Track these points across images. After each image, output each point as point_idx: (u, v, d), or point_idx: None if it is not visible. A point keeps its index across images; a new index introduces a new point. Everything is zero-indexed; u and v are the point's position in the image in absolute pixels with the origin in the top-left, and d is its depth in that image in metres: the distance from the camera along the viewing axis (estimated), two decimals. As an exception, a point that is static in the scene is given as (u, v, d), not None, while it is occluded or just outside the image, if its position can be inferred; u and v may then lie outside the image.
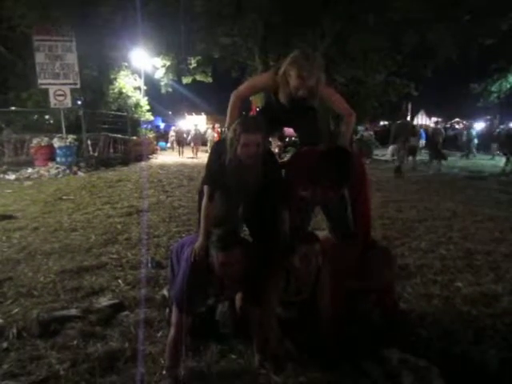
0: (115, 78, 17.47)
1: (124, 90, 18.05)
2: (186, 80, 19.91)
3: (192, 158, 19.38)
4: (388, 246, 4.04)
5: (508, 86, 20.88)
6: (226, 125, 2.57)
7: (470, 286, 3.45)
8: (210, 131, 23.63)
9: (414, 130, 14.31)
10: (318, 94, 2.57)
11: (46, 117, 15.29)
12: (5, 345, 2.50)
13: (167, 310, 2.70)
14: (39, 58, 12.82)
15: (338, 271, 2.39)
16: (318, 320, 2.42)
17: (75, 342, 2.53)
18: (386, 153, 17.40)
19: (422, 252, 4.38)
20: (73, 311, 2.93)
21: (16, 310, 2.97)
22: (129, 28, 14.95)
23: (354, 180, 2.54)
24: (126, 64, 18.37)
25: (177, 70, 19.09)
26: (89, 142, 14.08)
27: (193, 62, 18.25)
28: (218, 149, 2.39)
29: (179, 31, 14.52)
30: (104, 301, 3.13)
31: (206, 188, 2.41)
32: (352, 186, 2.56)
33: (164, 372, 2.23)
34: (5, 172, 11.69)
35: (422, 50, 12.95)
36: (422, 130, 22.22)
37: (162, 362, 2.32)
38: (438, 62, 14.07)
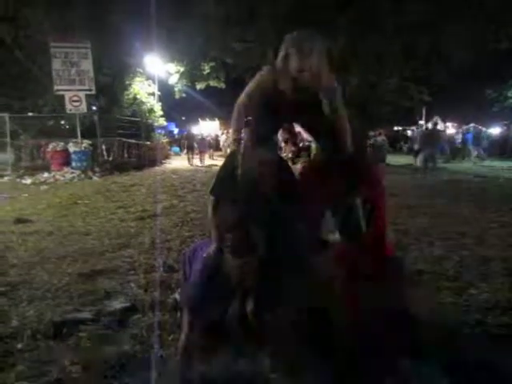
0: (130, 84, 17.74)
1: (138, 96, 18.30)
2: (200, 85, 20.05)
3: (200, 166, 17.86)
4: (401, 252, 4.01)
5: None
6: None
7: (485, 294, 3.39)
8: (224, 137, 22.99)
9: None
10: (322, 80, 2.41)
11: (62, 122, 15.58)
12: (19, 346, 2.54)
13: (179, 314, 2.72)
14: (56, 64, 13.08)
15: (351, 279, 2.38)
16: (333, 327, 2.41)
17: (88, 345, 2.56)
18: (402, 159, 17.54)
19: (435, 258, 4.33)
20: (86, 314, 2.97)
21: (31, 312, 3.01)
22: (143, 35, 15.22)
23: (369, 188, 2.55)
24: (141, 70, 18.62)
25: (190, 75, 19.26)
26: (103, 147, 14.30)
27: (206, 68, 18.37)
28: (232, 160, 2.40)
29: (192, 37, 14.70)
30: (116, 304, 3.16)
31: (210, 197, 2.44)
32: (368, 194, 2.56)
33: (175, 375, 2.24)
34: (21, 176, 11.93)
35: (436, 55, 12.87)
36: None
37: (174, 364, 2.33)
38: (452, 66, 13.99)
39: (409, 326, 2.50)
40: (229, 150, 3.03)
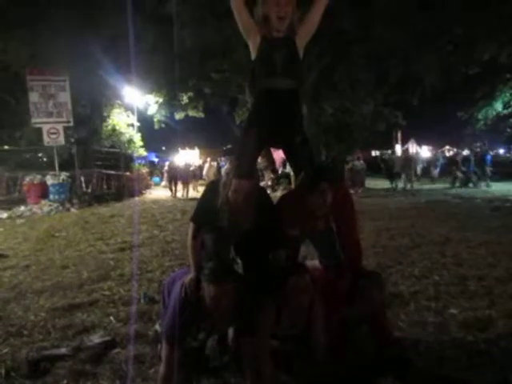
0: (108, 115, 17.73)
1: (117, 127, 18.32)
2: (179, 115, 20.19)
3: (182, 198, 16.23)
4: (381, 273, 4.03)
5: (494, 112, 21.42)
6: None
7: (464, 312, 3.44)
8: (206, 165, 22.26)
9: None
10: (297, 30, 2.58)
11: (39, 154, 15.41)
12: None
13: (159, 346, 2.67)
14: (33, 97, 13.02)
15: (330, 300, 2.40)
16: (312, 351, 2.40)
17: (65, 382, 2.48)
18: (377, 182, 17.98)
19: (415, 279, 4.38)
20: (63, 350, 2.88)
21: (5, 350, 2.91)
22: (122, 66, 15.35)
23: (340, 210, 2.60)
24: (119, 101, 18.68)
25: (169, 106, 19.42)
26: (82, 179, 14.14)
27: (185, 98, 18.57)
28: (213, 188, 2.42)
29: (171, 68, 14.91)
30: (95, 338, 3.07)
31: (191, 225, 2.45)
32: (339, 217, 2.61)
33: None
34: (-4, 210, 11.65)
35: (408, 80, 13.37)
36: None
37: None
38: (424, 90, 14.54)
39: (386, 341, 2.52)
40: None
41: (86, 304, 3.91)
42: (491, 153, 22.78)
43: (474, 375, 2.45)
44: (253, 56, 2.65)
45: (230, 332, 2.50)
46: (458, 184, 17.91)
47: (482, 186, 17.45)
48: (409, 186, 17.16)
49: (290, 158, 2.81)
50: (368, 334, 2.64)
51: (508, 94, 20.42)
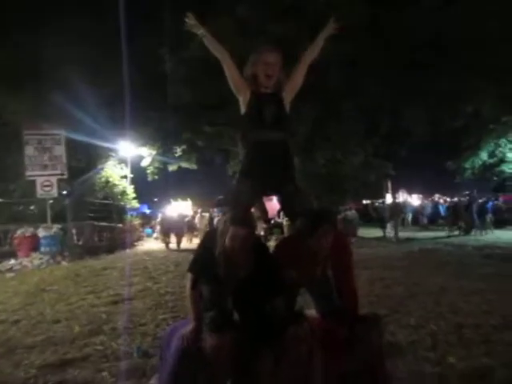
0: (102, 168, 17.95)
1: (111, 179, 18.49)
2: (172, 167, 20.45)
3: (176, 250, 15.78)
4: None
5: (480, 162, 22.06)
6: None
7: (463, 361, 3.41)
8: (198, 216, 22.36)
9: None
10: (284, 87, 2.80)
11: (31, 207, 15.40)
12: None
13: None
14: (28, 151, 13.26)
15: (329, 348, 2.39)
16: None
17: None
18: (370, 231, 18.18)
19: (412, 328, 4.35)
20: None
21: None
22: (117, 121, 15.76)
23: (338, 257, 2.66)
24: (113, 154, 18.98)
25: (162, 158, 19.73)
26: (74, 231, 14.06)
27: (178, 151, 18.92)
28: (210, 237, 2.48)
29: (165, 122, 15.35)
30: (88, 395, 2.99)
31: (189, 275, 2.48)
32: (337, 264, 2.67)
33: None
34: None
35: (397, 132, 13.89)
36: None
37: None
38: (413, 142, 15.12)
39: None
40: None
41: (78, 359, 3.81)
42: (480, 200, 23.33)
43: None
44: (242, 111, 2.83)
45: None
46: (459, 232, 17.98)
47: (483, 233, 17.59)
48: (392, 235, 17.28)
49: (284, 206, 2.91)
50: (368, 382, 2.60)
51: (492, 144, 21.16)
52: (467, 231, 17.98)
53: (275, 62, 2.73)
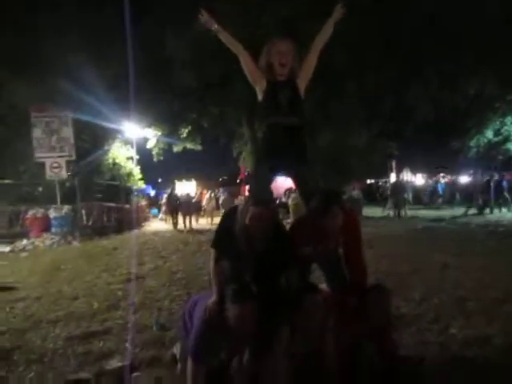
0: (109, 149, 18.08)
1: (117, 160, 18.63)
2: (177, 148, 20.56)
3: (185, 230, 15.58)
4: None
5: (485, 140, 22.03)
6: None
7: (464, 331, 3.62)
8: (206, 197, 22.18)
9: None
10: (298, 73, 2.95)
11: (41, 188, 15.61)
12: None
13: (178, 366, 2.82)
14: (36, 133, 13.40)
15: (340, 318, 2.59)
16: (325, 367, 2.57)
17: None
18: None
19: (416, 302, 4.56)
20: (85, 374, 3.02)
21: (29, 375, 3.05)
22: (123, 102, 15.79)
23: (349, 234, 2.84)
24: (120, 135, 19.07)
25: (168, 139, 19.83)
26: (83, 212, 14.30)
27: (183, 132, 18.99)
28: (230, 216, 2.66)
29: (171, 104, 15.39)
30: (114, 363, 3.23)
31: (212, 251, 2.67)
32: (347, 240, 2.85)
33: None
34: (-1, 244, 11.76)
35: (401, 112, 13.92)
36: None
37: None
38: (417, 121, 15.13)
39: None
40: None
41: (100, 332, 4.05)
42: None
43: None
44: (259, 98, 2.98)
45: (247, 352, 2.67)
46: (474, 211, 17.80)
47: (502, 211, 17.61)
48: (391, 213, 17.91)
49: (299, 186, 3.08)
50: (376, 349, 2.80)
51: (498, 122, 21.08)
52: (481, 210, 17.80)
53: (288, 50, 2.87)
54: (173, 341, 3.51)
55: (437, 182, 28.72)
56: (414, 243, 9.26)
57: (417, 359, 2.95)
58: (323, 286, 2.96)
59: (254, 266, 2.51)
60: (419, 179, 34.99)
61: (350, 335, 2.61)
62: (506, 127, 20.88)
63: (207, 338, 2.34)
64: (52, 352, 3.54)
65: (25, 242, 11.90)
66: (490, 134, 21.59)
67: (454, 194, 25.67)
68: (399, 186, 18.71)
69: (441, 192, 25.66)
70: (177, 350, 3.03)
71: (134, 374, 3.03)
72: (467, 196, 22.31)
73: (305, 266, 2.78)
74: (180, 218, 16.78)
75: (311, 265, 2.89)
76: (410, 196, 22.19)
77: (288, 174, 3.15)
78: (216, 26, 2.94)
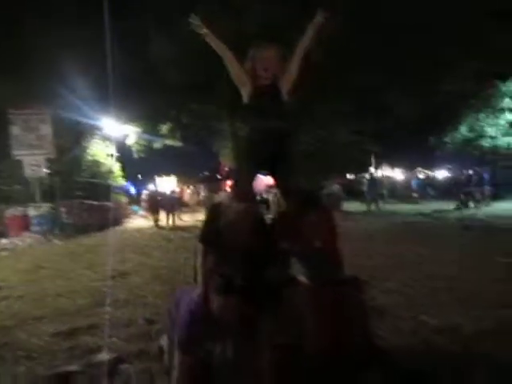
0: (88, 146, 17.95)
1: (97, 158, 18.50)
2: (157, 145, 20.53)
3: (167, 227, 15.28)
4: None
5: (459, 136, 22.67)
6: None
7: (435, 319, 3.84)
8: (188, 192, 22.21)
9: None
10: (281, 77, 3.05)
11: (19, 187, 15.40)
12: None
13: (165, 358, 2.94)
14: (14, 130, 13.23)
15: (319, 311, 2.76)
16: (307, 356, 2.74)
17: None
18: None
19: (389, 293, 4.78)
20: (74, 367, 3.13)
21: (20, 370, 3.13)
22: (102, 98, 15.69)
23: (325, 230, 3.01)
24: (99, 132, 18.94)
25: (147, 135, 19.79)
26: (63, 210, 14.19)
27: (163, 128, 18.97)
28: (215, 211, 2.80)
29: (151, 100, 15.37)
30: (102, 356, 3.33)
31: (199, 245, 2.81)
32: (324, 236, 3.02)
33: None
34: (-22, 244, 11.60)
35: (380, 109, 14.27)
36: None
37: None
38: (396, 117, 15.56)
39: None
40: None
41: (86, 327, 4.14)
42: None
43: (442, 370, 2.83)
44: (244, 100, 3.12)
45: (231, 343, 2.81)
46: (459, 206, 17.49)
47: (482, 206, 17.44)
48: (373, 207, 18.26)
49: (279, 184, 3.24)
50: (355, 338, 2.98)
51: (472, 119, 21.72)
52: (465, 205, 17.67)
53: (272, 56, 3.01)
54: (159, 334, 3.63)
55: (413, 177, 29.55)
56: (392, 237, 9.54)
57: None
58: (302, 278, 3.12)
59: (238, 259, 2.64)
60: (398, 174, 35.77)
61: (330, 325, 2.77)
62: (479, 123, 21.51)
63: (193, 329, 2.47)
64: (39, 348, 3.63)
65: (4, 241, 11.78)
66: (464, 130, 22.23)
67: (426, 189, 26.50)
68: (373, 182, 19.31)
69: (414, 187, 26.40)
70: (163, 342, 3.15)
71: (122, 366, 3.15)
72: (446, 191, 22.93)
73: (285, 259, 2.93)
74: (162, 215, 16.71)
75: (290, 259, 3.05)
76: (385, 191, 22.70)
77: (269, 173, 3.29)
78: (205, 30, 3.05)
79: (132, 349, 3.48)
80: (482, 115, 21.03)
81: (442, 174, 31.92)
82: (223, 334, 2.65)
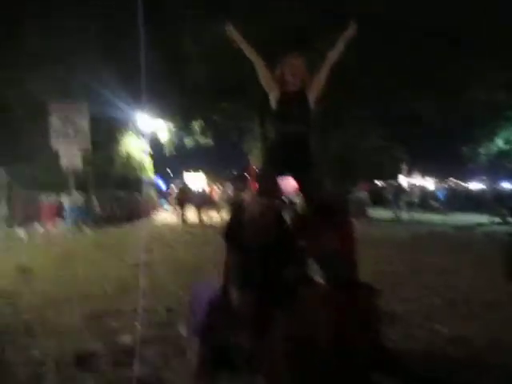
0: (122, 140, 18.52)
1: (129, 152, 19.06)
2: (188, 142, 20.95)
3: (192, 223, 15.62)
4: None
5: (495, 148, 22.13)
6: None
7: (449, 330, 3.89)
8: (217, 191, 22.30)
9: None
10: (309, 85, 3.22)
11: (55, 177, 16.04)
12: (46, 370, 2.93)
13: (184, 344, 3.13)
14: (53, 122, 13.80)
15: (332, 311, 2.88)
16: (318, 354, 2.87)
17: (106, 369, 2.96)
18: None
19: (407, 301, 4.83)
20: (99, 346, 3.36)
21: (52, 344, 3.39)
22: (136, 94, 16.16)
23: (344, 236, 3.13)
24: (133, 127, 19.51)
25: (180, 133, 20.24)
26: (95, 201, 14.72)
27: (195, 126, 19.36)
28: (240, 208, 2.97)
29: (183, 99, 15.74)
30: (125, 338, 3.56)
31: (224, 241, 2.98)
32: (342, 241, 3.15)
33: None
34: (13, 227, 12.19)
35: (410, 118, 14.16)
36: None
37: None
38: (430, 126, 15.42)
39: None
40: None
41: (112, 312, 4.39)
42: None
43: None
44: (272, 105, 3.28)
45: (247, 334, 2.98)
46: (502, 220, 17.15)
47: None
48: (399, 215, 18.19)
49: (302, 189, 3.38)
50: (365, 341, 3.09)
51: (509, 131, 21.17)
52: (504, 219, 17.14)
53: (300, 63, 3.19)
54: (179, 322, 3.84)
55: (440, 187, 28.94)
56: (415, 246, 9.49)
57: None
58: (318, 278, 3.25)
59: (257, 256, 2.79)
60: (430, 183, 35.16)
61: (341, 325, 2.89)
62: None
63: (212, 318, 2.64)
64: (69, 326, 3.88)
65: (38, 226, 12.33)
66: (500, 142, 21.69)
67: (455, 200, 25.78)
68: (399, 190, 19.16)
69: (440, 197, 25.79)
70: (183, 330, 3.35)
71: (144, 349, 3.36)
72: (479, 203, 22.39)
73: (303, 259, 3.07)
74: (191, 211, 16.98)
75: (307, 259, 3.18)
76: (415, 200, 22.31)
77: (294, 178, 3.44)
78: (239, 38, 3.24)
79: (153, 335, 3.68)
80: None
81: (475, 185, 31.20)
82: (239, 326, 2.82)
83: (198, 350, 2.65)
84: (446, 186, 30.03)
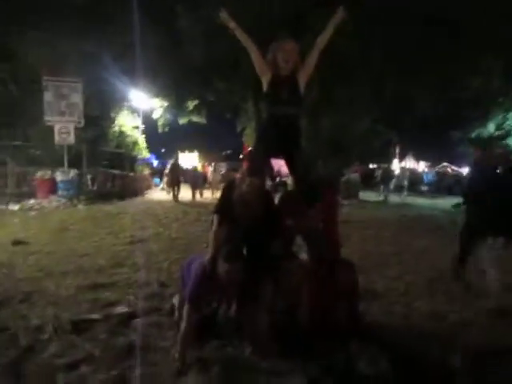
0: (116, 117, 18.46)
1: (123, 129, 19.03)
2: (182, 120, 20.92)
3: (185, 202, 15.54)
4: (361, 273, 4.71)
5: (487, 133, 22.36)
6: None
7: (427, 305, 4.12)
8: (210, 170, 22.78)
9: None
10: (299, 69, 3.36)
11: (48, 152, 16.05)
12: (46, 336, 3.11)
13: (176, 314, 3.33)
14: (47, 96, 13.79)
15: (313, 284, 3.09)
16: (300, 323, 3.09)
17: (103, 336, 3.15)
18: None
19: (390, 279, 5.07)
20: (96, 316, 3.55)
21: (49, 313, 3.57)
22: (130, 71, 16.11)
23: (327, 212, 3.32)
24: (127, 104, 19.43)
25: (173, 110, 20.19)
26: (88, 177, 14.80)
27: (190, 105, 19.31)
28: (231, 186, 3.14)
29: (179, 75, 15.68)
30: (120, 309, 3.75)
31: (216, 216, 3.15)
32: (326, 219, 3.33)
33: (174, 357, 2.83)
34: (7, 203, 12.27)
35: (402, 101, 14.25)
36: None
37: (172, 352, 2.93)
38: (417, 112, 15.54)
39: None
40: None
41: (107, 284, 4.56)
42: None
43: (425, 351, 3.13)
44: (264, 88, 3.42)
45: (234, 304, 3.18)
46: None
47: None
48: (382, 198, 18.68)
49: (290, 167, 3.54)
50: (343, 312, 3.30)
51: (500, 117, 21.38)
52: None
53: (292, 49, 3.31)
54: (172, 296, 4.02)
55: (430, 171, 29.48)
56: (402, 228, 9.74)
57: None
58: (303, 254, 3.45)
59: (246, 231, 2.97)
60: (422, 167, 35.50)
61: (321, 298, 3.10)
62: (508, 122, 21.19)
63: (201, 288, 2.83)
64: (66, 297, 4.06)
65: (32, 201, 12.43)
66: (492, 127, 21.92)
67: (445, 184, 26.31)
68: (387, 173, 19.56)
69: (425, 180, 26.37)
70: (175, 300, 3.54)
71: (137, 319, 3.56)
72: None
73: (288, 235, 3.25)
74: (182, 189, 17.13)
75: (294, 235, 3.37)
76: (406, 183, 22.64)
77: (283, 158, 3.60)
78: (233, 24, 3.36)
79: (146, 306, 3.87)
80: (511, 114, 20.70)
81: (466, 170, 31.54)
82: (227, 296, 3.02)
83: (188, 318, 2.83)
84: (436, 170, 30.45)
